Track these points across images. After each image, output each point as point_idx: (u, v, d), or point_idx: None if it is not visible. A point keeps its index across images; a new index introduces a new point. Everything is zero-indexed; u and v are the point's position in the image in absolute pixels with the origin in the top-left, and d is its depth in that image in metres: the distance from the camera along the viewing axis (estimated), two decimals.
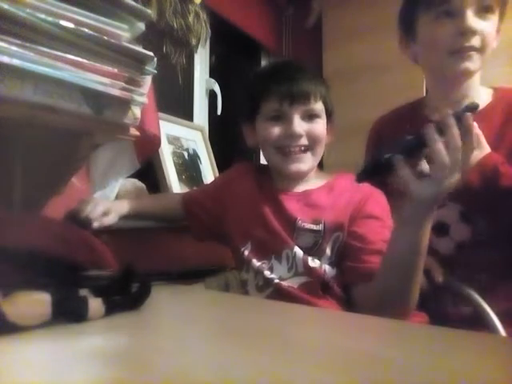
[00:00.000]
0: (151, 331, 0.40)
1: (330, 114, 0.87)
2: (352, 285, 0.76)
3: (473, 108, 0.60)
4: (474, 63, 0.84)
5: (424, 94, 1.54)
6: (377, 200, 0.81)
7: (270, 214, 0.83)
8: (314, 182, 0.87)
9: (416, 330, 0.44)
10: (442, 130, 0.59)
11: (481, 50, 0.84)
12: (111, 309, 0.41)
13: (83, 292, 0.42)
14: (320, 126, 0.84)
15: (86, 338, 0.37)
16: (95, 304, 0.40)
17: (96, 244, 0.65)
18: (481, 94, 0.90)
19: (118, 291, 0.45)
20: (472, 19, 0.82)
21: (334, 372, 0.30)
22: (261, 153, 0.94)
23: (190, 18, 1.27)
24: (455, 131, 0.58)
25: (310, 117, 0.83)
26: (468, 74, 0.87)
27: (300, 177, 0.86)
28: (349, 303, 0.76)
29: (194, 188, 1.33)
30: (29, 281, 0.46)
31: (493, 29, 0.84)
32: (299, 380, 0.29)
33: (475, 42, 0.83)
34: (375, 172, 0.65)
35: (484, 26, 0.83)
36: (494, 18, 0.84)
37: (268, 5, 1.96)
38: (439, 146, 0.58)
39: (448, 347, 0.37)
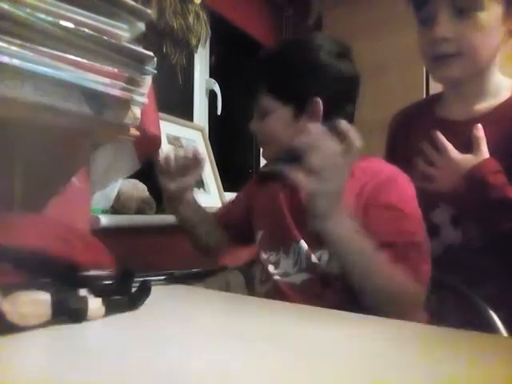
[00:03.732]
0: (151, 331, 0.40)
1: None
2: None
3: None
4: (456, 70, 0.81)
5: (424, 94, 1.50)
6: (395, 187, 0.72)
7: (285, 204, 0.82)
8: None
9: (416, 329, 0.44)
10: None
11: (460, 55, 0.79)
12: (111, 309, 0.41)
13: (83, 292, 0.42)
14: (270, 120, 0.78)
15: (86, 337, 0.37)
16: (95, 304, 0.40)
17: (96, 244, 0.65)
18: (499, 89, 0.85)
19: (117, 291, 0.45)
20: (443, 26, 0.79)
21: (334, 372, 0.30)
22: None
23: (190, 18, 1.27)
24: (324, 142, 0.60)
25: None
26: (455, 80, 0.84)
27: None
28: (352, 300, 0.70)
29: (199, 189, 1.33)
30: (29, 281, 0.46)
31: (477, 28, 0.78)
32: (299, 380, 0.29)
33: (449, 48, 0.79)
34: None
35: (461, 29, 0.78)
36: (480, 16, 0.77)
37: (268, 5, 1.95)
38: (311, 157, 0.59)
39: (448, 347, 0.37)
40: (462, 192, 0.77)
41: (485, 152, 0.77)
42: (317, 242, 0.75)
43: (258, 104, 0.79)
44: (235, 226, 0.96)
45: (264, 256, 0.82)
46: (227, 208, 1.02)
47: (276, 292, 0.77)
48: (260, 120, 0.80)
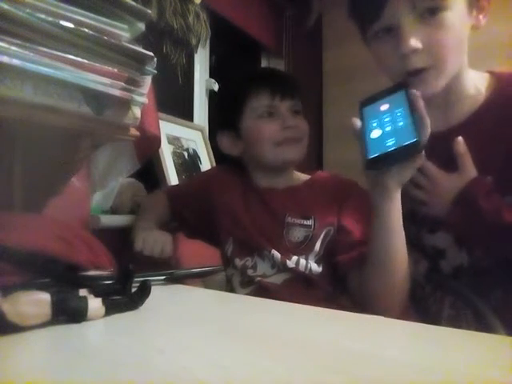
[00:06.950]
0: (151, 331, 0.40)
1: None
2: (348, 275, 0.77)
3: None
4: (434, 85, 0.73)
5: None
6: (359, 192, 0.82)
7: (253, 214, 0.84)
8: (294, 180, 0.89)
9: (416, 329, 0.44)
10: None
11: (435, 66, 0.71)
12: (111, 309, 0.41)
13: (83, 292, 0.42)
14: (303, 120, 0.87)
15: (86, 338, 0.37)
16: (95, 304, 0.40)
17: (96, 244, 0.65)
18: (474, 88, 0.78)
19: (117, 291, 0.45)
20: (411, 35, 0.69)
21: (334, 372, 0.30)
22: None
23: (190, 18, 1.28)
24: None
25: (296, 112, 0.87)
26: (433, 95, 0.74)
27: (293, 164, 0.89)
28: (335, 298, 0.77)
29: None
30: (29, 281, 0.46)
31: (446, 30, 0.70)
32: (299, 380, 0.29)
33: (421, 62, 0.71)
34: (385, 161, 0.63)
35: (430, 36, 0.69)
36: (446, 15, 0.69)
37: (268, 5, 1.95)
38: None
39: (448, 347, 0.37)
40: (455, 217, 0.71)
41: (470, 169, 0.71)
42: (290, 250, 0.79)
43: (294, 102, 0.86)
44: (186, 217, 0.95)
45: (239, 263, 0.82)
46: (180, 196, 1.00)
47: (260, 292, 0.77)
48: (296, 118, 0.86)
